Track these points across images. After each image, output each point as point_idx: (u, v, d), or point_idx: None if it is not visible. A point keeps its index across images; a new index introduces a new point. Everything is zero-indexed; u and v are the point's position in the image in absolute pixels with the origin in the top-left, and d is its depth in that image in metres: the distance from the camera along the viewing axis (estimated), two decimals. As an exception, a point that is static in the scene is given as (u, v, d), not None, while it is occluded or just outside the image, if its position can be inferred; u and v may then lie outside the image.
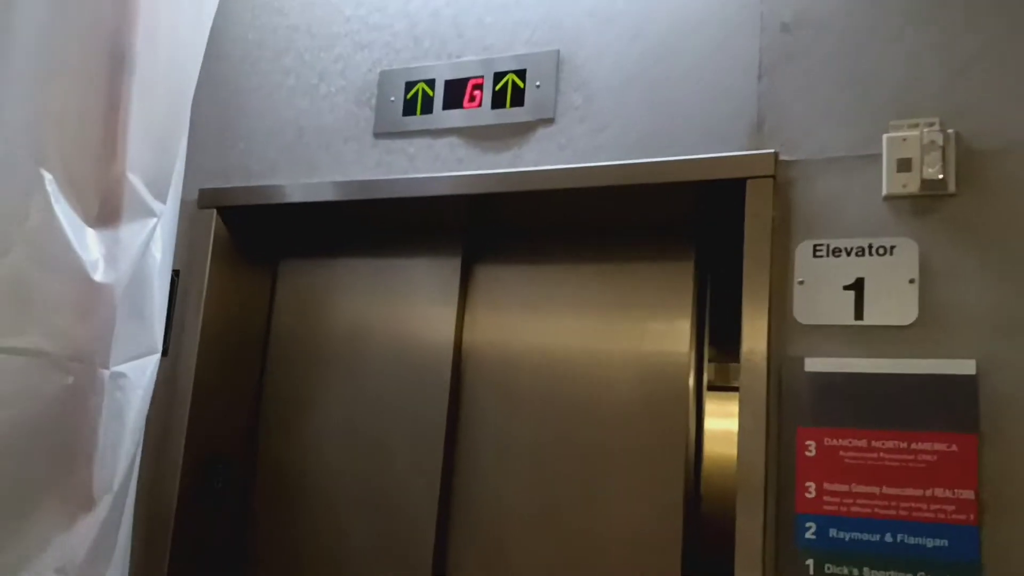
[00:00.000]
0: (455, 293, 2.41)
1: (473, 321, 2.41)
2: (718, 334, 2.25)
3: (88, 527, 1.87)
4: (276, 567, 2.47)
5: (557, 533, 2.19)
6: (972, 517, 1.62)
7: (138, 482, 2.07)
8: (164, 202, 2.04)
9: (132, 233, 1.95)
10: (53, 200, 1.84)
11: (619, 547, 2.13)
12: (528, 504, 2.23)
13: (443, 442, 2.32)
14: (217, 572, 2.44)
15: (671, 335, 2.18)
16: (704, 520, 2.18)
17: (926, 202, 1.75)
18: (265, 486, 2.53)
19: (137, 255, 1.95)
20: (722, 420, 2.22)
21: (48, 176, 1.84)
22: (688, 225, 2.20)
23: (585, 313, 2.28)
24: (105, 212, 1.92)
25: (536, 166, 2.10)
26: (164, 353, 2.12)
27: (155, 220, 2.00)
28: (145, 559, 2.24)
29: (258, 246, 2.58)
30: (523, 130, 2.13)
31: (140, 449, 2.05)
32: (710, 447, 2.22)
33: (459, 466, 2.34)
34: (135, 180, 1.96)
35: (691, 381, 2.15)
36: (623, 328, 2.24)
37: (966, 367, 1.67)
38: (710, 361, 2.29)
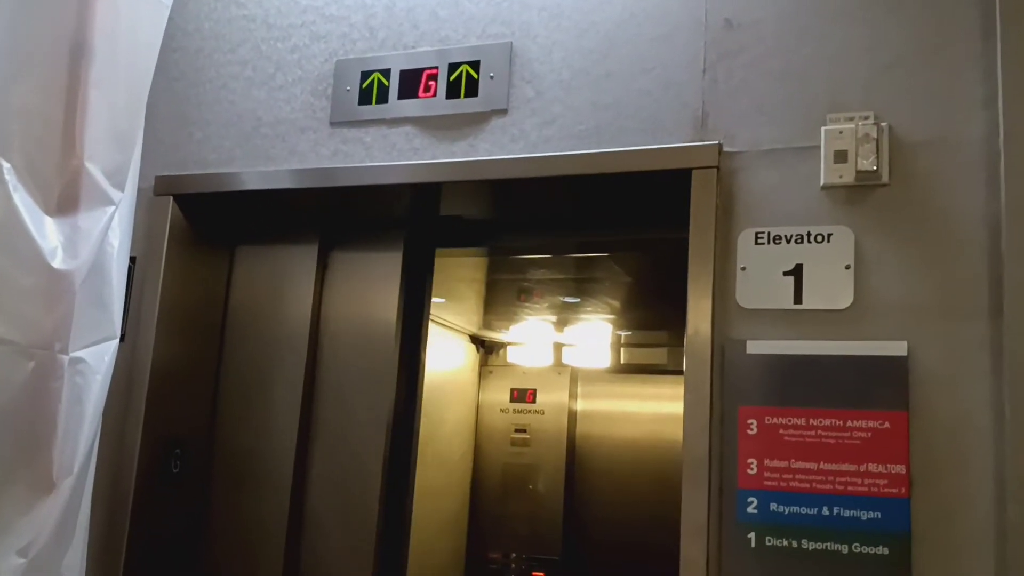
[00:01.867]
0: (312, 277, 2.56)
1: (330, 298, 2.58)
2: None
3: (49, 510, 1.89)
4: (232, 549, 2.50)
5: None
6: (903, 490, 1.70)
7: (97, 466, 2.08)
8: (122, 190, 2.05)
9: (91, 221, 1.97)
10: (12, 189, 1.85)
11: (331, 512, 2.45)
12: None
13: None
14: (175, 554, 2.46)
15: (381, 302, 2.53)
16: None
17: (861, 192, 1.83)
18: (222, 469, 2.55)
19: (96, 243, 1.97)
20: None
21: (6, 166, 1.85)
22: (399, 222, 2.56)
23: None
24: (64, 201, 1.94)
25: (490, 156, 2.15)
26: (122, 339, 2.12)
27: (113, 208, 2.02)
28: (104, 541, 2.25)
29: (214, 232, 2.59)
30: (477, 120, 2.17)
31: (99, 433, 2.07)
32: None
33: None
34: (93, 169, 1.97)
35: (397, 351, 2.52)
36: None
37: (898, 348, 1.75)
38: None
